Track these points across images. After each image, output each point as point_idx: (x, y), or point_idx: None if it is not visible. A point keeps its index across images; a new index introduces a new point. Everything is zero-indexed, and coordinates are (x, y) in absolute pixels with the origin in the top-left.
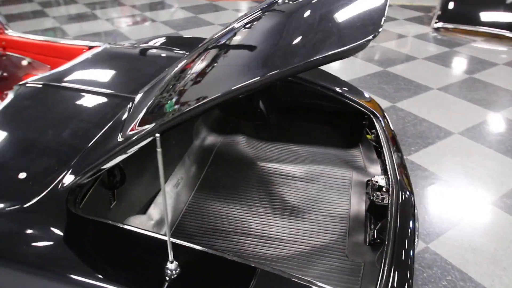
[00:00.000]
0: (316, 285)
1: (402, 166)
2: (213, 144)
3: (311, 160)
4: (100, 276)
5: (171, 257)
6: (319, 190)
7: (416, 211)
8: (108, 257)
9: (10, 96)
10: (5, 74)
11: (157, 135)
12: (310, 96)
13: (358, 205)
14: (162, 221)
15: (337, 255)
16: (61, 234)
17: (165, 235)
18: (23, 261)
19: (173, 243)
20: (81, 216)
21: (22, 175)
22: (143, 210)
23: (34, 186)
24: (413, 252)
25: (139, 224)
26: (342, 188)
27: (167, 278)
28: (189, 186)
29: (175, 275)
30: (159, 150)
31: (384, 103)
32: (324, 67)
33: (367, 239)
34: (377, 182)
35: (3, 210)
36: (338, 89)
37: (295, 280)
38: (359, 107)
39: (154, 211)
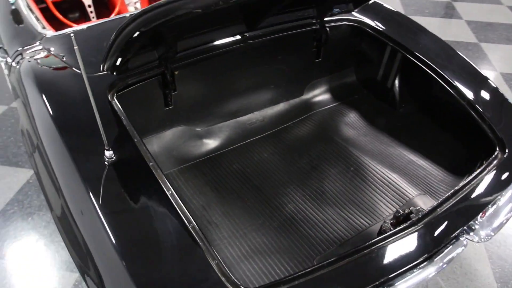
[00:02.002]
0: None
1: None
2: (320, 105)
3: (392, 163)
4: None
5: (106, 145)
6: (366, 193)
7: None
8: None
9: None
10: None
11: (72, 35)
12: (452, 101)
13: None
14: (209, 144)
15: (308, 258)
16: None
17: None
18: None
19: (120, 136)
20: (106, 98)
21: None
22: (200, 127)
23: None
24: None
25: (184, 133)
26: (390, 204)
27: (106, 164)
28: (260, 130)
29: (110, 162)
30: (76, 47)
31: None
32: None
33: None
34: (408, 213)
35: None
36: (483, 107)
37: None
38: (489, 133)
39: (210, 134)
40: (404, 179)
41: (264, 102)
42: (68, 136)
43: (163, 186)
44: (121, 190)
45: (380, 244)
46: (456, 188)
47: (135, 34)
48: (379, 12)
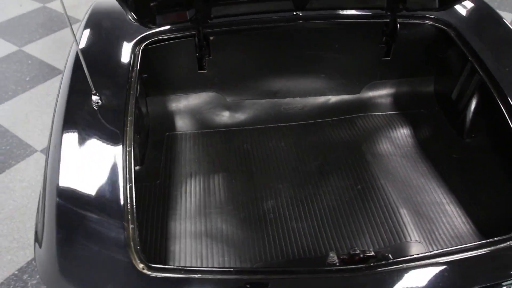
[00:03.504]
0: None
1: None
2: (374, 109)
3: (411, 197)
4: None
5: (92, 89)
6: (356, 219)
7: None
8: None
9: None
10: None
11: None
12: None
13: None
14: (234, 117)
15: (251, 259)
16: None
17: None
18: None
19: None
20: (130, 47)
21: None
22: (231, 98)
23: None
24: None
25: (213, 100)
26: (375, 239)
27: (94, 107)
28: (294, 118)
29: (97, 105)
30: None
31: None
32: None
33: None
34: (369, 256)
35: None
36: None
37: None
38: None
39: (239, 108)
40: (413, 219)
41: (309, 90)
42: (78, 74)
43: (126, 141)
44: (89, 134)
45: (309, 275)
46: (452, 248)
47: None
48: (480, 15)
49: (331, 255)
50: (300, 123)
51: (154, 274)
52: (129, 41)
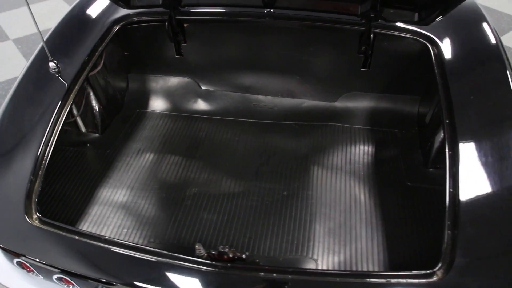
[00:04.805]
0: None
1: None
2: (347, 121)
3: (334, 216)
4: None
5: (49, 56)
6: (266, 223)
7: None
8: None
9: None
10: None
11: None
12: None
13: None
14: (203, 105)
15: (151, 236)
16: None
17: None
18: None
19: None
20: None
21: None
22: (205, 86)
23: None
24: None
25: (188, 86)
26: (274, 247)
27: (49, 72)
28: (261, 115)
29: (54, 71)
30: None
31: None
32: None
33: None
34: (238, 257)
35: None
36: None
37: None
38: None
39: (210, 97)
40: (322, 237)
41: (282, 91)
42: (51, 42)
43: (64, 107)
44: (34, 95)
45: (165, 260)
46: (319, 270)
47: None
48: (473, 33)
49: (197, 247)
50: (264, 122)
51: (43, 227)
52: (109, 19)
